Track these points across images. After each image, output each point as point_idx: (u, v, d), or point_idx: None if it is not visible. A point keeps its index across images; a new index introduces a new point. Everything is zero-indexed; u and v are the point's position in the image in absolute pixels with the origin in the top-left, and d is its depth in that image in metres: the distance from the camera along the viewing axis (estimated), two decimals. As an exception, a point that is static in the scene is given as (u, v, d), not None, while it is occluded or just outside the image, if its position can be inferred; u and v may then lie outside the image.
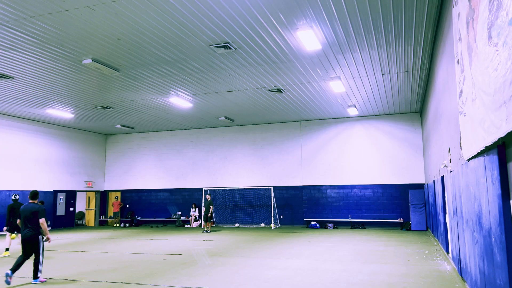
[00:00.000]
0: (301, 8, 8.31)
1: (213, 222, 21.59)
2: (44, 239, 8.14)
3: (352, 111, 18.47)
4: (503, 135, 3.39)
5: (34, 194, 8.34)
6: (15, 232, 11.37)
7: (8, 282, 7.57)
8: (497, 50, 3.39)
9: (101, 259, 10.74)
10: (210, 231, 18.37)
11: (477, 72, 4.35)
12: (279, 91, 14.75)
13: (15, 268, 7.75)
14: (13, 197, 11.71)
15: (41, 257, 8.00)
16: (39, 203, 8.40)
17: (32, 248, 7.96)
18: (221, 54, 10.96)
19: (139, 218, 23.38)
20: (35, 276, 7.93)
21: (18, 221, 8.62)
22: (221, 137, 22.58)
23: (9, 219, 11.45)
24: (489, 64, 3.71)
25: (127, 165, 24.40)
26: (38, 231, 8.03)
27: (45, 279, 8.14)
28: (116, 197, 23.49)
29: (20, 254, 8.14)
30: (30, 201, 8.27)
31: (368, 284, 7.31)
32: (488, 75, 3.76)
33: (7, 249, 11.67)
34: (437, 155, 11.41)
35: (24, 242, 7.97)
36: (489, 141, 3.94)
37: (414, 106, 17.85)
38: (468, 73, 4.96)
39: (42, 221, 8.01)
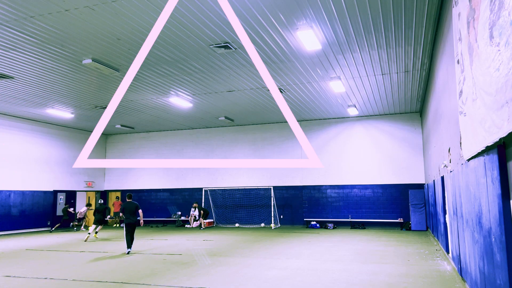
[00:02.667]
0: (301, 8, 8.31)
1: (210, 222, 21.63)
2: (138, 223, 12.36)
3: (352, 111, 18.47)
4: (504, 135, 3.38)
5: (130, 195, 12.71)
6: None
7: (129, 253, 11.61)
8: (499, 50, 3.38)
9: (101, 259, 10.74)
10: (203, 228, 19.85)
11: (478, 72, 4.35)
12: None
13: (130, 244, 11.73)
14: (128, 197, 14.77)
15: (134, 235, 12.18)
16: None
17: (133, 229, 11.99)
18: (221, 54, 10.95)
19: (139, 218, 23.35)
20: (129, 246, 11.87)
21: (121, 214, 12.50)
22: (221, 137, 22.58)
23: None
24: (490, 64, 3.70)
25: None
26: (137, 219, 12.16)
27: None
28: (117, 197, 23.50)
29: (125, 235, 11.92)
30: (128, 200, 12.46)
31: (368, 284, 7.31)
32: (490, 75, 3.75)
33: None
34: (437, 155, 11.41)
35: (129, 226, 11.94)
36: (490, 141, 3.93)
37: (414, 106, 17.85)
38: (469, 73, 4.96)
39: (140, 211, 12.32)
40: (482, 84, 4.15)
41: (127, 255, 11.42)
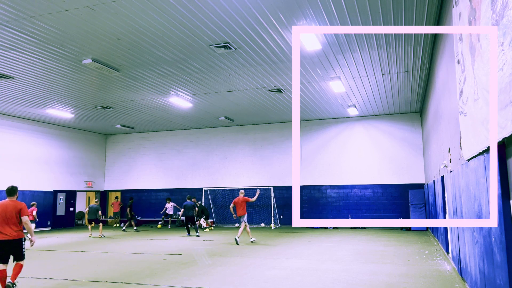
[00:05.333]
0: (301, 8, 8.31)
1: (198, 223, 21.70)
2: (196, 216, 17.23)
3: (352, 111, 18.47)
4: (508, 135, 3.37)
5: (189, 196, 17.72)
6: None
7: (188, 235, 16.62)
8: (502, 50, 3.37)
9: (101, 259, 10.74)
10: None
11: (480, 72, 4.33)
12: (279, 91, 14.75)
13: (189, 231, 16.98)
14: (189, 198, 17.87)
15: (195, 225, 16.94)
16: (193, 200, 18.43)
17: (190, 220, 16.87)
18: (221, 54, 10.95)
19: (139, 218, 23.37)
20: (196, 232, 16.58)
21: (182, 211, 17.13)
22: (221, 137, 22.57)
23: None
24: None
25: (127, 165, 24.39)
26: (194, 214, 16.86)
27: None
28: (116, 197, 23.49)
29: (185, 225, 17.01)
30: (188, 200, 17.32)
31: (368, 284, 7.31)
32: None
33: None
34: (437, 155, 11.41)
35: (187, 218, 16.82)
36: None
37: (414, 106, 17.85)
38: (470, 73, 4.95)
39: (196, 209, 17.19)
40: (485, 84, 4.14)
41: (186, 236, 16.27)
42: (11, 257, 7.00)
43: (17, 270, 6.97)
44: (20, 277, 8.36)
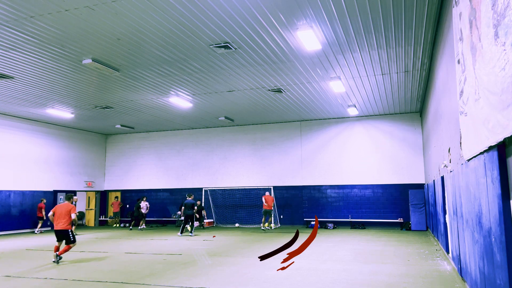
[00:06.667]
0: (301, 8, 8.31)
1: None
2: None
3: (352, 111, 18.47)
4: (509, 135, 3.37)
5: (190, 194, 17.34)
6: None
7: (180, 236, 16.47)
8: (504, 50, 3.37)
9: (101, 259, 10.74)
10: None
11: (481, 71, 4.33)
12: (279, 91, 14.75)
13: (183, 230, 16.82)
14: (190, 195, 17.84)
15: (195, 223, 17.52)
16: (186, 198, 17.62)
17: (190, 218, 16.83)
18: (221, 54, 10.95)
19: (194, 211, 23.38)
20: (191, 231, 16.76)
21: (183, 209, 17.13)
22: (221, 137, 22.57)
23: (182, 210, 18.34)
24: (495, 64, 3.69)
25: (127, 165, 24.39)
26: (193, 212, 16.87)
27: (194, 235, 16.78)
28: (116, 197, 23.49)
29: (183, 223, 16.96)
30: (188, 198, 17.10)
31: (368, 284, 7.31)
32: (495, 75, 3.73)
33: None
34: (437, 155, 11.41)
35: (186, 216, 16.75)
36: (493, 141, 3.92)
37: (414, 106, 17.85)
38: (471, 73, 4.95)
39: (195, 208, 17.03)
40: (486, 84, 4.13)
41: (180, 236, 16.38)
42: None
43: (65, 249, 10.11)
44: (20, 277, 8.38)
